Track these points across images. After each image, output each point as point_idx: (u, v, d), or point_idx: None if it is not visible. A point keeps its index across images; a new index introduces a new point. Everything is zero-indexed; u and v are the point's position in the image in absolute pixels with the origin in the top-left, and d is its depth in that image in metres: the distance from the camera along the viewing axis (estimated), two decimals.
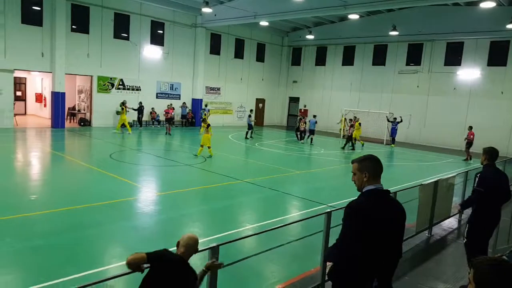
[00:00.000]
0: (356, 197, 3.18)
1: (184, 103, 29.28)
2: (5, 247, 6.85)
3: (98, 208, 9.31)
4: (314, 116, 25.52)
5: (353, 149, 23.03)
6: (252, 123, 24.99)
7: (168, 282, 3.26)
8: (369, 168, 3.13)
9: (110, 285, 5.63)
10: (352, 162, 3.29)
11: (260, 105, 35.60)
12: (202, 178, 13.66)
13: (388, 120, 26.10)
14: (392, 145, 25.50)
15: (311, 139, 24.45)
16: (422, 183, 8.11)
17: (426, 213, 8.07)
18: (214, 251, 4.03)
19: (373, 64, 30.57)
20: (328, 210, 5.58)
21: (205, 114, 25.91)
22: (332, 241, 5.26)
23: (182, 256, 3.41)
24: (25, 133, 21.70)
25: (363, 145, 24.57)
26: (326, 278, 5.37)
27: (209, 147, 16.68)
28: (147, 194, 11.18)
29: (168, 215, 9.42)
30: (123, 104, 23.38)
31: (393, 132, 25.80)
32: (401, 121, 25.69)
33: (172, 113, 26.26)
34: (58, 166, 14.54)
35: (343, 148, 23.04)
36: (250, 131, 24.82)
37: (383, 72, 29.95)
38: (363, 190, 3.10)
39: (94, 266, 6.23)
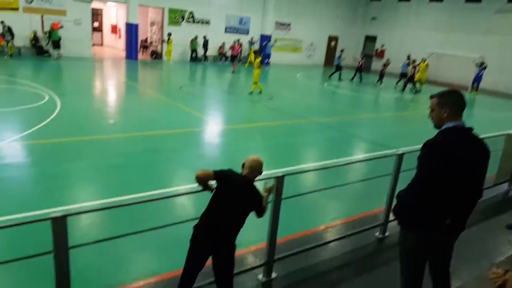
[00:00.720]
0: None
1: (252, 38, 28.69)
2: (88, 164, 7.56)
3: (168, 136, 9.82)
4: (408, 58, 23.14)
5: (415, 91, 21.39)
6: (341, 64, 23.46)
7: (232, 199, 3.35)
8: (450, 103, 2.80)
9: (182, 203, 6.04)
10: (431, 97, 2.96)
11: (333, 43, 33.83)
12: (268, 115, 13.67)
13: (477, 65, 23.55)
14: (474, 92, 23.28)
15: (405, 84, 22.09)
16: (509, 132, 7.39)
17: (509, 164, 7.44)
18: (279, 180, 4.06)
19: (466, 0, 27.10)
20: (400, 151, 5.31)
21: (252, 49, 25.29)
22: (400, 185, 5.12)
23: (246, 176, 3.46)
24: (102, 63, 22.98)
25: (417, 91, 21.89)
26: (391, 218, 5.31)
27: (256, 83, 16.20)
28: (213, 126, 11.51)
29: (233, 147, 9.68)
30: (169, 35, 23.51)
31: (478, 78, 23.42)
32: (486, 67, 23.06)
33: (239, 50, 26.01)
34: (132, 95, 15.37)
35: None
36: (338, 72, 23.42)
37: (477, 10, 26.47)
38: (442, 128, 2.82)
39: (166, 186, 6.68)
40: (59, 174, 6.92)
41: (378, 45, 32.85)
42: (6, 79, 15.07)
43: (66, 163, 7.40)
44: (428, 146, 2.79)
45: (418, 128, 12.13)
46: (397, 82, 23.27)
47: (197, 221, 3.42)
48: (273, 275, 4.43)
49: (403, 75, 22.79)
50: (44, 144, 8.32)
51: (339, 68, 23.42)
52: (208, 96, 16.29)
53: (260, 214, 3.52)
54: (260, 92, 16.37)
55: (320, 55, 33.53)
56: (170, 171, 7.75)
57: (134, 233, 4.79)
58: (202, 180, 3.36)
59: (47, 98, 12.22)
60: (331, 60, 32.99)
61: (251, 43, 28.15)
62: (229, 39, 27.16)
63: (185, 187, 6.64)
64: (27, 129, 9.00)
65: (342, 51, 24.63)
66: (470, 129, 2.82)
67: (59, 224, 2.78)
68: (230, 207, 3.34)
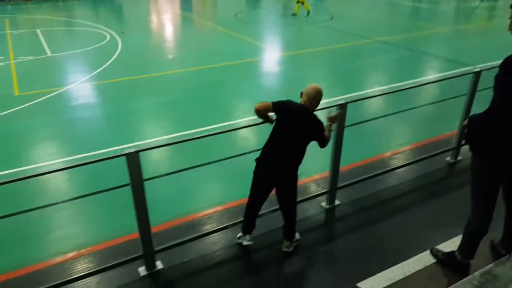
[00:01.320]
0: None
1: None
2: (152, 100, 7.86)
3: (226, 68, 9.79)
4: None
5: None
6: None
7: (291, 130, 3.29)
8: None
9: (243, 135, 6.16)
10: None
11: None
12: (329, 38, 12.93)
13: None
14: None
15: None
16: None
17: None
18: (342, 108, 3.91)
19: None
20: (477, 69, 4.79)
21: None
22: (476, 106, 4.70)
23: (304, 105, 3.36)
24: None
25: None
26: (463, 142, 4.98)
27: (303, 3, 15.09)
28: (272, 54, 11.22)
29: (293, 75, 9.43)
30: None
31: None
32: None
33: None
34: (188, 27, 15.30)
35: None
36: None
37: None
38: None
39: (227, 119, 6.80)
40: (127, 112, 7.30)
41: None
42: (67, 21, 15.66)
43: (132, 101, 7.76)
44: (507, 63, 2.45)
45: (497, 41, 10.80)
46: None
47: (259, 153, 3.45)
48: (336, 202, 4.47)
49: None
50: (110, 83, 8.74)
51: None
52: (265, 22, 15.71)
53: (322, 144, 3.44)
54: (307, 13, 15.34)
55: None
56: (230, 104, 7.84)
57: (200, 165, 5.02)
58: (261, 113, 3.32)
59: (108, 37, 12.60)
60: None
61: None
62: None
63: (245, 120, 6.71)
64: (94, 70, 9.47)
65: None
66: None
67: (133, 159, 2.96)
68: (290, 137, 3.31)
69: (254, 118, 3.37)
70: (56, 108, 7.38)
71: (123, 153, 2.94)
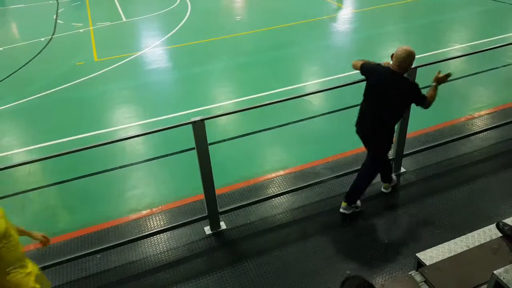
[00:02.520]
0: None
1: None
2: (221, 64, 8.04)
3: (295, 28, 9.57)
4: None
5: None
6: None
7: (378, 93, 3.36)
8: None
9: (309, 100, 6.12)
10: None
11: None
12: None
13: None
14: None
15: None
16: None
17: None
18: (412, 72, 3.72)
19: None
20: None
21: None
22: None
23: (391, 68, 3.29)
24: None
25: None
26: None
27: None
28: (343, 11, 10.70)
29: (365, 34, 8.98)
30: None
31: None
32: None
33: None
34: None
35: None
36: None
37: None
38: None
39: (293, 82, 6.76)
40: (196, 76, 7.55)
41: None
42: None
43: (201, 65, 7.99)
44: None
45: None
46: None
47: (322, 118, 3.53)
48: (402, 169, 4.37)
49: None
50: (181, 48, 9.05)
51: None
52: None
53: (424, 105, 3.35)
54: None
55: None
56: (298, 67, 7.72)
57: (264, 130, 5.14)
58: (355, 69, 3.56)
59: (178, 0, 12.86)
60: None
61: None
62: None
63: (311, 83, 6.63)
64: (165, 34, 9.83)
65: None
66: None
67: (199, 127, 3.16)
68: (374, 99, 3.40)
69: (320, 81, 3.40)
70: (131, 73, 7.88)
71: (190, 121, 3.14)
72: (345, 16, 10.22)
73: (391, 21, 9.65)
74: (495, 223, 3.07)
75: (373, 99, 3.42)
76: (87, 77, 7.60)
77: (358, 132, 3.63)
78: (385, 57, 7.73)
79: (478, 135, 4.76)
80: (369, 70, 3.43)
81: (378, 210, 3.90)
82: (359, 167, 4.02)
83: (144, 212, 4.15)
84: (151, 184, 4.68)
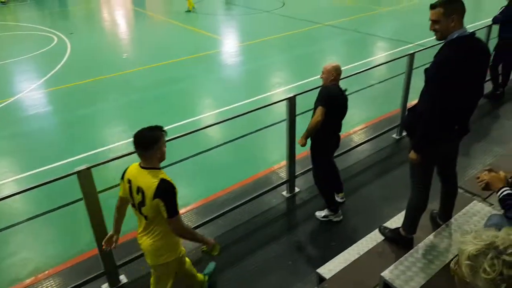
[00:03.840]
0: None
1: None
2: (111, 102, 7.74)
3: (184, 63, 9.71)
4: None
5: None
6: None
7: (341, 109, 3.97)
8: (457, 10, 2.50)
9: (205, 132, 6.14)
10: (433, 7, 2.57)
11: None
12: (281, 25, 13.04)
13: None
14: None
15: None
16: None
17: None
18: (291, 101, 4.05)
19: None
20: (411, 51, 5.12)
21: None
22: (414, 83, 4.99)
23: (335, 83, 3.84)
24: None
25: None
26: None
27: None
28: (228, 46, 11.20)
29: (251, 66, 9.51)
30: None
31: None
32: None
33: None
34: (142, 23, 14.95)
35: None
36: None
37: None
38: (449, 39, 2.57)
39: (187, 116, 6.76)
40: (82, 119, 7.12)
41: None
42: (10, 25, 14.87)
43: (86, 106, 7.57)
44: (437, 66, 2.61)
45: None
46: None
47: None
48: (296, 189, 4.65)
49: None
50: (62, 89, 8.48)
51: None
52: (218, 12, 15.58)
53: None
54: (192, 8, 14.80)
55: None
56: (192, 100, 7.78)
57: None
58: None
59: (56, 40, 12.13)
60: None
61: None
62: None
63: (209, 114, 6.75)
64: (42, 76, 9.15)
65: None
66: (473, 34, 2.62)
67: (85, 176, 2.97)
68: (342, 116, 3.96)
69: (216, 111, 3.45)
70: (3, 122, 7.09)
71: (73, 171, 2.94)
72: (232, 50, 10.72)
73: (272, 53, 10.40)
74: (378, 228, 3.44)
75: (340, 117, 4.06)
76: None
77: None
78: (272, 86, 8.29)
79: (356, 149, 5.33)
80: (330, 102, 3.75)
81: (276, 234, 4.06)
82: (258, 193, 4.26)
83: (28, 281, 3.64)
84: (34, 247, 4.15)
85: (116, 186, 4.71)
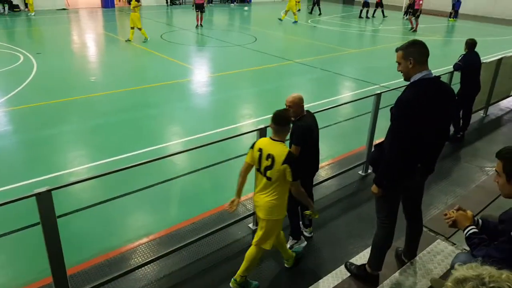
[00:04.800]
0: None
1: None
2: (73, 126, 7.48)
3: (153, 89, 9.64)
4: None
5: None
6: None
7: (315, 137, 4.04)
8: (414, 53, 2.76)
9: (171, 160, 6.07)
10: (396, 50, 2.88)
11: None
12: (253, 59, 13.35)
13: None
14: (452, 19, 22.75)
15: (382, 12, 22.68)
16: (484, 61, 7.29)
17: (484, 92, 7.44)
18: (261, 133, 4.08)
19: None
20: (378, 91, 5.36)
21: None
22: (380, 122, 5.19)
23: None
24: (77, 14, 21.87)
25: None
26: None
27: (140, 29, 14.55)
28: (199, 75, 11.28)
29: (221, 96, 9.57)
30: None
31: (457, 4, 22.74)
32: None
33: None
34: (112, 48, 14.82)
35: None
36: (367, 9, 22.46)
37: None
38: (411, 80, 2.79)
39: (154, 143, 6.64)
40: (44, 140, 6.86)
41: None
42: None
43: (49, 128, 7.30)
44: (399, 105, 2.77)
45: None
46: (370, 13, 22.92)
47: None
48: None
49: (378, 4, 22.59)
50: (24, 109, 8.16)
51: (366, 4, 22.41)
52: (191, 43, 15.77)
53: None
54: (145, 40, 14.78)
55: None
56: (158, 128, 7.66)
57: (125, 195, 4.86)
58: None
59: (22, 58, 11.78)
60: None
61: None
62: None
63: (176, 142, 6.66)
64: (5, 95, 8.78)
65: None
66: (436, 78, 2.82)
67: (45, 199, 2.81)
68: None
69: (183, 140, 3.41)
70: None
71: (33, 193, 2.79)
72: (202, 80, 10.79)
73: (243, 85, 10.56)
74: (344, 264, 3.44)
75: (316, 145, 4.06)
76: None
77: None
78: (239, 117, 8.35)
79: (322, 183, 5.39)
80: (304, 138, 3.72)
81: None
82: (224, 225, 4.17)
83: None
84: None
85: (75, 211, 4.52)
